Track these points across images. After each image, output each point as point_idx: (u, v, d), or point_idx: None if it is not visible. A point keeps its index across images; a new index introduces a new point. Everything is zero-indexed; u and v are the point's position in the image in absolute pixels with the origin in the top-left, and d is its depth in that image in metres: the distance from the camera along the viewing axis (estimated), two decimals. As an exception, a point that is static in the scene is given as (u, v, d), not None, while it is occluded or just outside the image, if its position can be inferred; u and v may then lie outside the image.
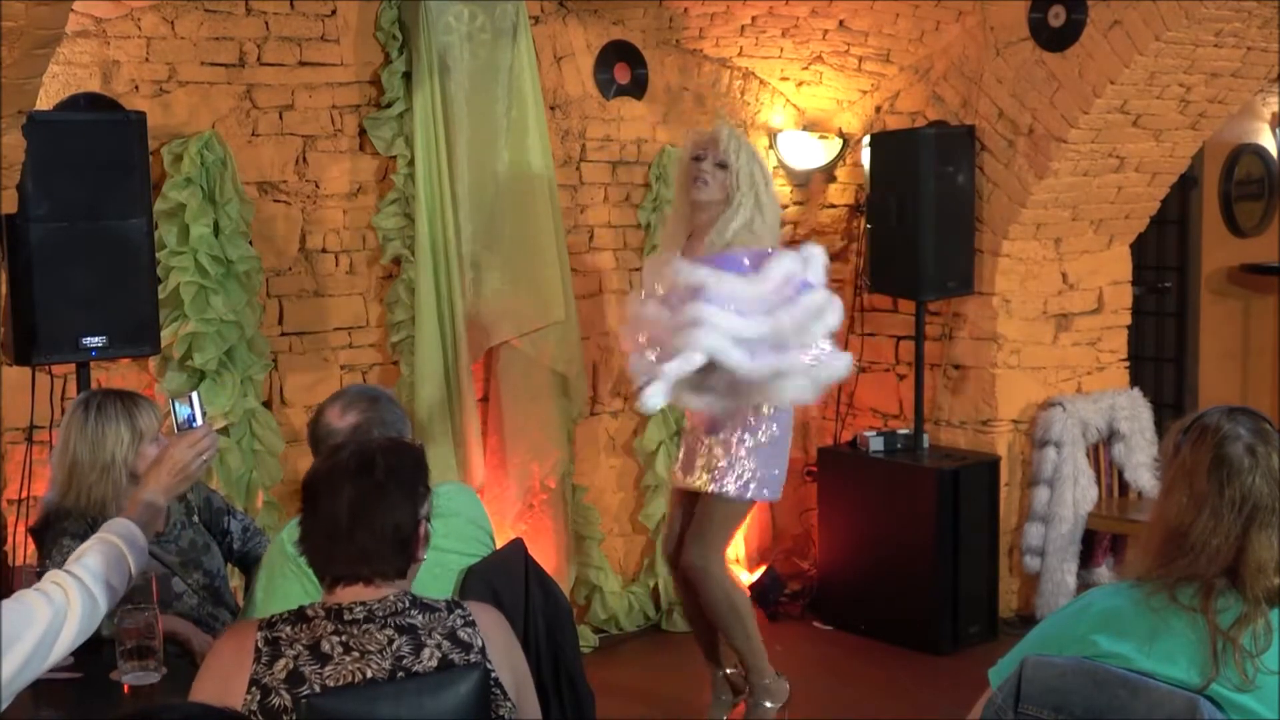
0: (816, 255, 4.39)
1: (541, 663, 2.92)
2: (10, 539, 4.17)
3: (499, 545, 3.18)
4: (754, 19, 5.55)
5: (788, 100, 6.11)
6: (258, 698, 2.22)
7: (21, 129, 3.59)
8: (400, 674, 2.25)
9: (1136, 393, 5.84)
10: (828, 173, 6.18)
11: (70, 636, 2.41)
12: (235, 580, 3.80)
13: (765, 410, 4.36)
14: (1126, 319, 5.96)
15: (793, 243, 5.96)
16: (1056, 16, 5.14)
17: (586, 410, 5.47)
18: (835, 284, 4.65)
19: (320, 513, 2.32)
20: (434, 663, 2.28)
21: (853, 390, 6.03)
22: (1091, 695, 2.23)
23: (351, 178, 4.95)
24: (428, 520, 2.40)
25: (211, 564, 3.41)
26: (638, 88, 5.61)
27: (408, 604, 2.32)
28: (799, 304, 4.24)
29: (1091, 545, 5.65)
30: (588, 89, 5.50)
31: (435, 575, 2.83)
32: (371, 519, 2.29)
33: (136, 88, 4.49)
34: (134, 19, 4.48)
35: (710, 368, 4.16)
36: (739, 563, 5.82)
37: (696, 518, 4.43)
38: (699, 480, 4.41)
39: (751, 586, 5.76)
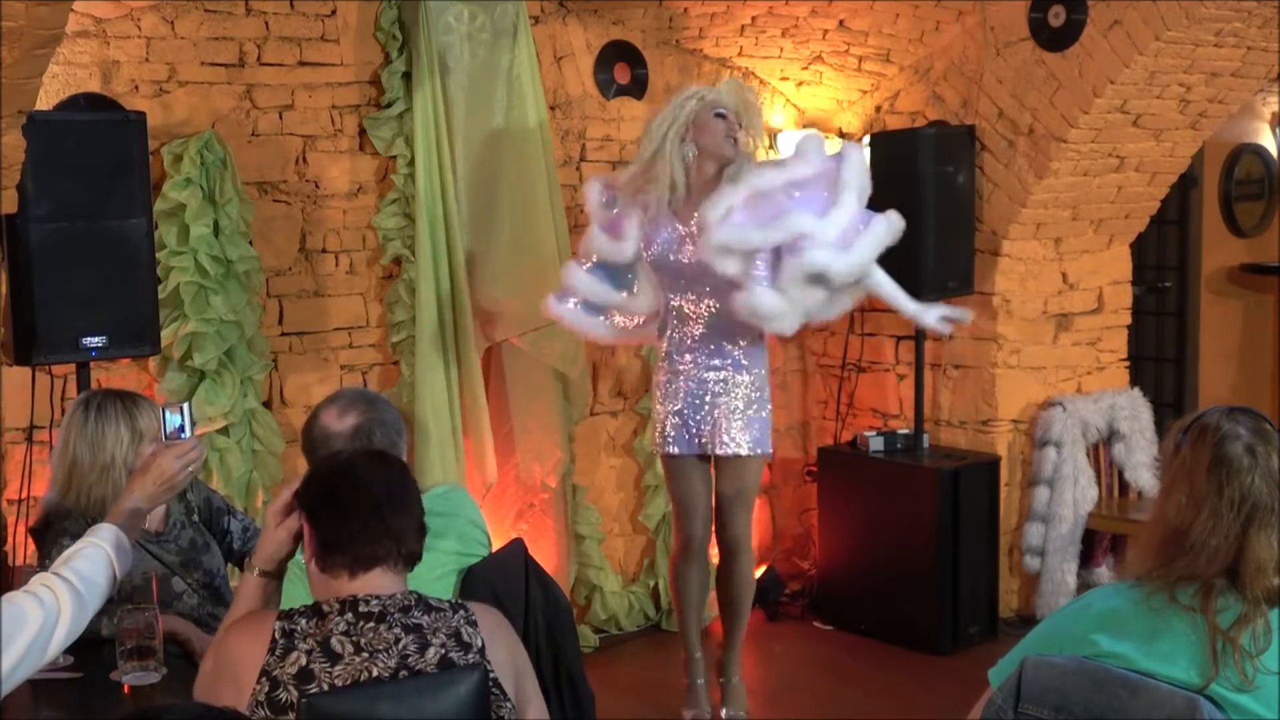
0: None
1: (541, 663, 2.93)
2: (10, 539, 4.17)
3: (499, 545, 3.18)
4: (754, 19, 5.55)
5: (788, 100, 6.11)
6: (266, 689, 2.23)
7: (21, 129, 3.59)
8: (404, 673, 2.25)
9: (1136, 393, 5.84)
10: (828, 173, 6.18)
11: (61, 638, 2.43)
12: (235, 580, 3.79)
13: (763, 370, 4.48)
14: (1126, 319, 5.96)
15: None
16: (1056, 16, 5.14)
17: (587, 410, 5.47)
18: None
19: (343, 500, 2.33)
20: (437, 662, 2.28)
21: (853, 390, 6.03)
22: (1091, 695, 2.23)
23: (351, 178, 4.95)
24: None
25: (211, 564, 3.41)
26: (638, 88, 5.61)
27: (413, 602, 2.34)
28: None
29: (1091, 545, 5.65)
30: (588, 89, 5.50)
31: (435, 575, 2.84)
32: (404, 499, 2.36)
33: (136, 88, 4.50)
34: (134, 19, 4.48)
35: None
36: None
37: (738, 486, 4.46)
38: (734, 446, 4.40)
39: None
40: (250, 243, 4.63)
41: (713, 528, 4.60)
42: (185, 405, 2.87)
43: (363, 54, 4.92)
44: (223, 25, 4.64)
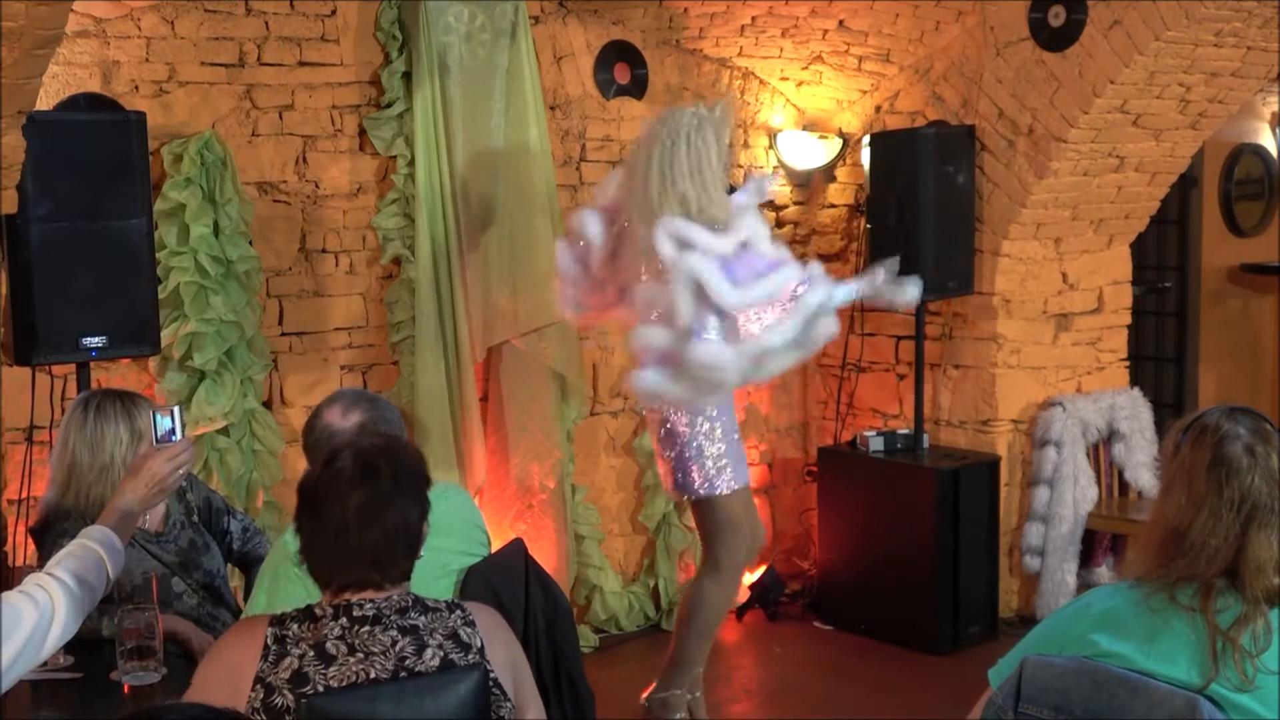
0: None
1: (541, 663, 2.93)
2: (10, 539, 4.17)
3: (499, 545, 3.18)
4: (754, 19, 5.55)
5: (788, 100, 6.11)
6: (261, 695, 2.21)
7: (21, 129, 3.59)
8: (403, 674, 2.25)
9: (1136, 392, 5.84)
10: (828, 173, 6.19)
11: (56, 637, 2.43)
12: (235, 580, 3.79)
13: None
14: (1126, 319, 5.96)
15: (793, 242, 6.01)
16: (1056, 16, 5.14)
17: (586, 410, 5.47)
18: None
19: (324, 519, 2.29)
20: (435, 663, 2.28)
21: (853, 390, 6.03)
22: (1091, 695, 2.23)
23: (351, 178, 4.96)
24: (426, 520, 2.40)
25: (211, 564, 3.41)
26: (638, 88, 5.62)
27: (410, 604, 2.33)
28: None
29: (1091, 545, 5.66)
30: (588, 89, 5.50)
31: (435, 575, 2.84)
32: (381, 522, 2.28)
33: (136, 88, 4.50)
34: (134, 19, 4.48)
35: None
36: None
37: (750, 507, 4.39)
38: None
39: (751, 586, 5.76)
40: (250, 243, 4.64)
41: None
42: (176, 408, 2.87)
43: (363, 54, 4.92)
44: (223, 25, 4.64)
